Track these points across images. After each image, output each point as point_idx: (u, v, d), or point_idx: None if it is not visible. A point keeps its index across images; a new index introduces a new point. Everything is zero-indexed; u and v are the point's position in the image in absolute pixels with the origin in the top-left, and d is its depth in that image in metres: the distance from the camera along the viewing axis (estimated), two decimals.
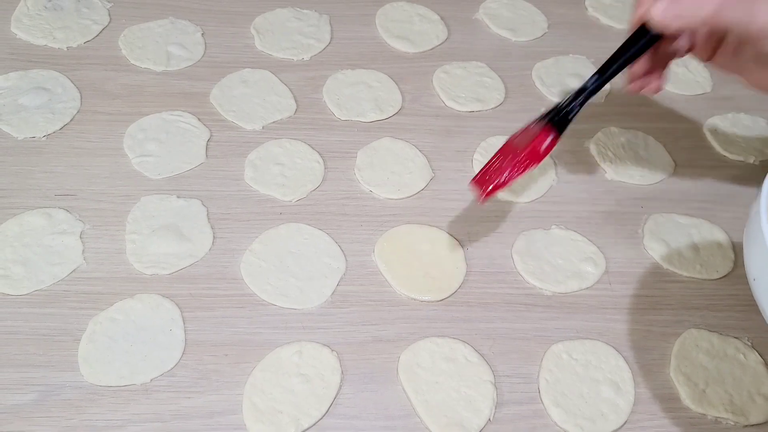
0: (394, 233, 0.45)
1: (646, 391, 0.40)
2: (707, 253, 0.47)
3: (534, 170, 0.40)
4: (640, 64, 0.42)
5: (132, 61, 0.54)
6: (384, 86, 0.54)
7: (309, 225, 0.45)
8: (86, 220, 0.44)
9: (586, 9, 0.64)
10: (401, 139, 0.51)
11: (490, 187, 0.39)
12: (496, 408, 0.38)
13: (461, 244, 0.45)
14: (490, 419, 0.38)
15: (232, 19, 0.58)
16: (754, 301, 0.33)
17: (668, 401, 0.40)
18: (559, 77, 0.57)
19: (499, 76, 0.57)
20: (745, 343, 0.42)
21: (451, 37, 0.60)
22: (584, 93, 0.41)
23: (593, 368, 0.41)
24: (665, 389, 0.40)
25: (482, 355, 0.40)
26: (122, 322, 0.40)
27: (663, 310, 0.44)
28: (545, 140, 0.40)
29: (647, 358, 0.42)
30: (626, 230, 0.48)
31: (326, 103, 0.53)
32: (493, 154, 0.41)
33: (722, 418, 0.39)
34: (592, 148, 0.52)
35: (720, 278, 0.46)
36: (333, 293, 0.42)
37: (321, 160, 0.49)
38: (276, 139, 0.50)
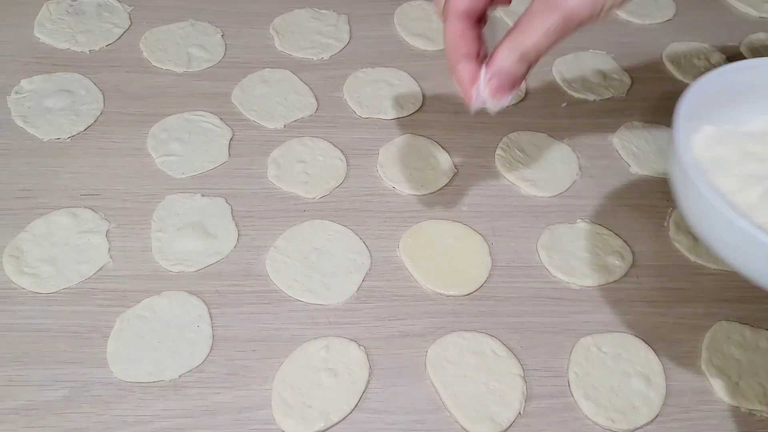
0: (418, 229, 0.45)
1: (678, 383, 0.40)
2: None
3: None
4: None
5: (153, 63, 0.54)
6: (404, 84, 0.54)
7: (333, 221, 0.45)
8: (111, 219, 0.44)
9: None
10: (423, 135, 0.51)
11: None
12: (526, 401, 0.38)
13: (486, 238, 0.45)
14: (520, 413, 0.38)
15: (251, 20, 0.59)
16: None
17: (701, 394, 0.39)
18: (580, 72, 0.57)
19: None
20: None
21: None
22: None
23: (623, 361, 0.40)
24: (697, 382, 0.40)
25: (510, 349, 0.40)
26: (150, 318, 0.40)
27: (692, 302, 0.43)
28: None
29: (678, 350, 0.41)
30: (652, 223, 0.47)
31: (347, 102, 0.53)
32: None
33: (756, 410, 0.39)
34: (616, 142, 0.52)
35: None
36: (358, 289, 0.42)
37: (343, 158, 0.49)
38: (298, 137, 0.50)
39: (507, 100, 0.31)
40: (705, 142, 0.34)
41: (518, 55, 0.30)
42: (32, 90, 0.51)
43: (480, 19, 0.32)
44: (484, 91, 0.30)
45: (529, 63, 0.30)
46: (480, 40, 0.32)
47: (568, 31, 0.30)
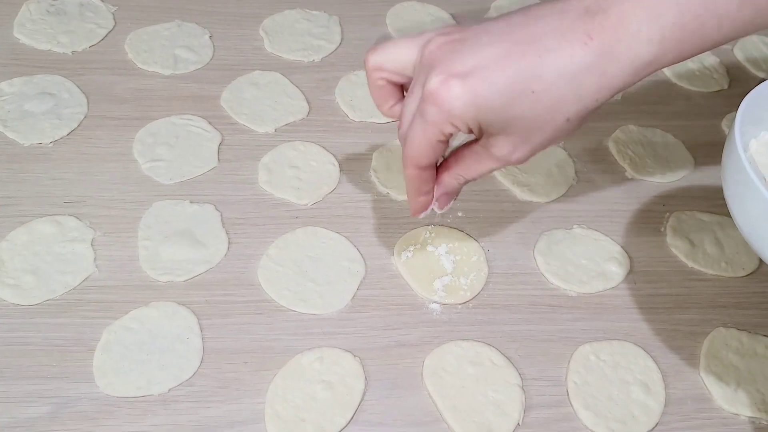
0: (413, 235, 0.44)
1: (677, 391, 0.39)
2: (732, 250, 0.46)
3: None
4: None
5: (139, 65, 0.53)
6: None
7: (326, 228, 0.44)
8: (97, 227, 0.43)
9: None
10: None
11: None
12: (524, 412, 0.37)
13: (482, 245, 0.45)
14: (519, 423, 0.37)
15: (240, 21, 0.57)
16: None
17: (700, 402, 0.39)
18: None
19: None
20: None
21: None
22: None
23: (622, 369, 0.40)
24: (696, 389, 0.40)
25: (508, 358, 0.39)
26: (138, 330, 0.38)
27: (690, 309, 0.43)
28: None
29: (676, 358, 0.41)
30: (649, 229, 0.47)
31: (339, 105, 0.52)
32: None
33: (756, 417, 0.39)
34: (611, 147, 0.52)
35: (746, 275, 0.45)
36: (353, 298, 0.41)
37: (336, 163, 0.48)
38: (289, 141, 0.49)
39: (449, 206, 0.38)
40: (759, 149, 0.33)
41: (461, 181, 0.37)
42: (12, 93, 0.49)
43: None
44: (434, 205, 0.38)
45: (467, 182, 0.37)
46: (435, 175, 0.37)
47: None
